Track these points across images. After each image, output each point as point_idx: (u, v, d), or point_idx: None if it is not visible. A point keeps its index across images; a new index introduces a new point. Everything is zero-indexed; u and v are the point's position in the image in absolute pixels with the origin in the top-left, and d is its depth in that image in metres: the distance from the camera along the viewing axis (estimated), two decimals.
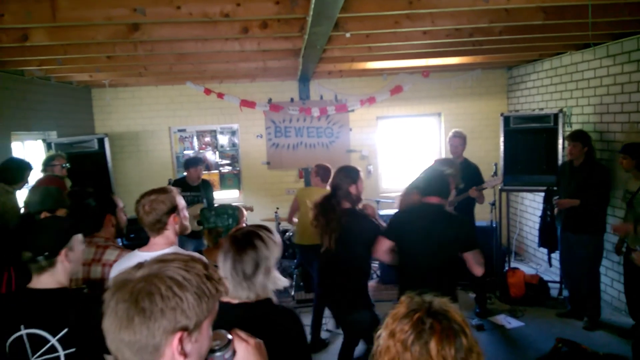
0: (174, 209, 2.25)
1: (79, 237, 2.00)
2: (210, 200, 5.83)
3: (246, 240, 1.80)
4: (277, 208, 6.66)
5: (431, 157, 7.62)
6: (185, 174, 5.78)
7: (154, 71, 5.89)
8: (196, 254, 1.22)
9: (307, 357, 1.84)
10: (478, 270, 3.16)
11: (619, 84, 5.02)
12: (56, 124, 6.08)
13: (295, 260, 6.45)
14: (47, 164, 4.65)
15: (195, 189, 5.75)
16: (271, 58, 5.28)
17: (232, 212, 2.83)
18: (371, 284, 6.48)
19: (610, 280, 5.28)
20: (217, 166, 7.66)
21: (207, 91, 7.25)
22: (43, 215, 2.89)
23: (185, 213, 2.37)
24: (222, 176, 7.67)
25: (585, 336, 4.63)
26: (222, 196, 7.62)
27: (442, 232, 3.16)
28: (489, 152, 6.78)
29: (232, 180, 7.69)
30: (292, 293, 6.15)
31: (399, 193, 7.33)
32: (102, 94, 7.19)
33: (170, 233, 2.25)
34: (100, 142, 5.97)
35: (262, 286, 1.79)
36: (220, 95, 7.27)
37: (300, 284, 6.28)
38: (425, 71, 7.20)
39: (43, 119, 5.82)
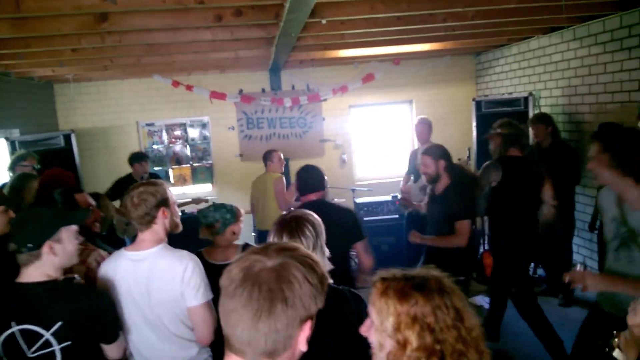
0: (164, 201, 2.16)
1: (70, 229, 1.93)
2: None
3: (298, 221, 1.82)
4: None
5: (403, 144, 7.71)
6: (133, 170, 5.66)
7: (120, 64, 5.68)
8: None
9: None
10: (368, 260, 3.14)
11: (586, 66, 5.15)
12: (18, 122, 5.80)
13: None
14: (16, 164, 4.41)
15: None
16: (243, 47, 5.18)
17: (230, 208, 2.83)
18: None
19: (583, 257, 5.46)
20: (189, 160, 7.50)
21: (175, 83, 7.08)
22: None
23: (176, 208, 2.29)
24: (194, 170, 7.52)
25: (561, 312, 4.78)
26: (195, 190, 7.49)
27: (334, 225, 3.06)
28: (461, 137, 6.86)
29: (205, 174, 7.55)
30: None
31: (373, 181, 7.44)
32: (65, 90, 6.90)
33: (159, 228, 2.16)
34: (67, 138, 5.74)
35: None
36: (189, 88, 7.11)
37: None
38: (396, 59, 7.22)
39: (4, 116, 5.55)
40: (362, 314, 1.78)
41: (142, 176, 5.58)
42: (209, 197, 7.18)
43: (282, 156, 5.58)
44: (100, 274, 2.18)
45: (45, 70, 5.74)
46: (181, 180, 7.46)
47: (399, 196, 5.78)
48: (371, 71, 7.35)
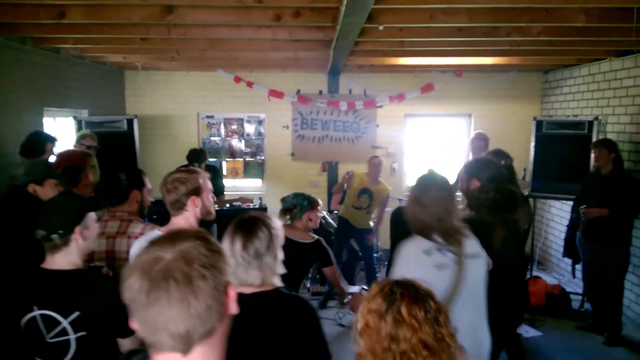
0: (195, 190, 2.24)
1: (92, 215, 1.99)
2: (218, 186, 5.75)
3: (254, 223, 1.84)
4: None
5: (457, 158, 7.53)
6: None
7: (186, 56, 5.93)
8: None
9: (326, 346, 1.82)
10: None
11: None
12: (88, 103, 6.19)
13: None
14: (78, 141, 4.74)
15: None
16: (302, 48, 5.26)
17: (307, 196, 3.25)
18: None
19: (636, 296, 5.12)
20: (242, 154, 7.69)
21: (237, 79, 7.27)
22: (30, 187, 2.93)
23: (210, 197, 2.36)
24: (247, 164, 7.70)
25: (605, 351, 4.50)
26: (245, 184, 7.66)
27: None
28: (519, 156, 6.56)
29: (256, 169, 7.71)
30: (308, 285, 6.15)
31: None
32: (134, 77, 7.28)
33: (189, 215, 2.25)
34: (130, 123, 6.05)
35: (270, 269, 1.81)
36: (249, 84, 7.29)
37: (316, 276, 6.27)
38: (459, 70, 7.06)
39: (76, 97, 5.93)
40: (309, 320, 1.82)
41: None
42: (257, 193, 7.34)
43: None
44: (131, 252, 2.28)
45: (117, 56, 6.08)
46: (233, 173, 7.66)
47: None
48: (431, 81, 7.23)
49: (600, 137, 5.48)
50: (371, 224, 5.86)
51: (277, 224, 1.95)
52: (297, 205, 3.17)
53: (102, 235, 2.51)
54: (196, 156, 5.75)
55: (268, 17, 3.84)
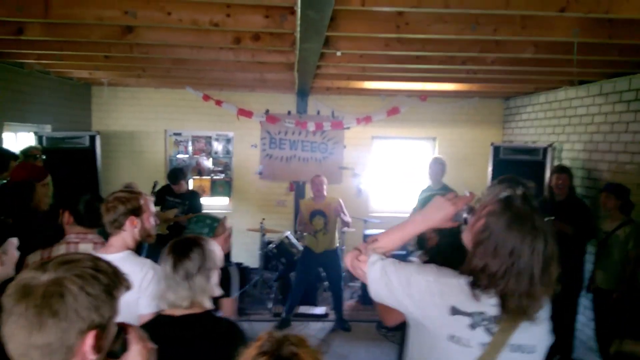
0: (134, 211, 2.25)
1: (13, 241, 2.00)
2: (197, 208, 5.86)
3: (187, 245, 1.86)
4: (263, 219, 6.66)
5: (422, 180, 7.65)
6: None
7: (152, 74, 5.95)
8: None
9: None
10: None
11: (609, 123, 5.03)
12: (52, 118, 6.13)
13: (276, 273, 6.44)
14: (25, 155, 4.71)
15: (179, 195, 5.84)
16: (267, 70, 5.33)
17: (210, 222, 2.77)
18: (349, 303, 6.46)
19: (587, 319, 5.24)
20: (210, 172, 7.68)
21: (206, 97, 7.30)
22: None
23: (151, 220, 2.37)
24: (214, 183, 7.69)
25: None
26: (212, 203, 7.64)
27: None
28: (478, 180, 6.76)
29: (223, 187, 7.71)
30: (270, 306, 6.12)
31: (386, 214, 7.39)
32: (101, 92, 7.24)
33: (127, 235, 2.25)
34: (92, 139, 6.01)
35: (201, 289, 1.83)
36: (218, 103, 7.32)
37: (279, 297, 6.26)
38: (423, 95, 7.23)
39: (39, 112, 5.87)
40: (237, 344, 1.81)
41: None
42: (224, 212, 7.32)
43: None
44: None
45: (82, 72, 6.05)
46: (200, 191, 7.62)
47: None
48: (397, 104, 7.38)
49: (555, 163, 5.66)
50: (337, 243, 5.80)
51: (214, 245, 1.97)
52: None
53: None
54: (179, 174, 5.83)
55: (227, 39, 3.89)
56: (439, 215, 1.63)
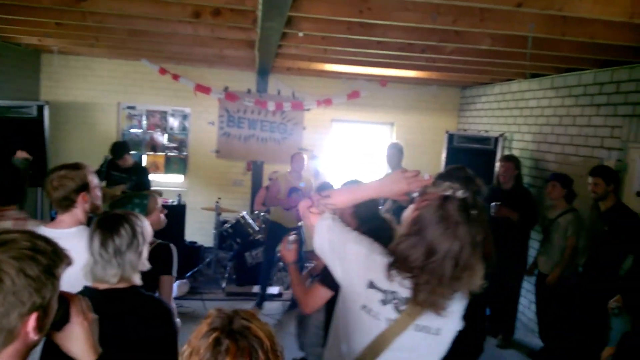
0: (84, 186, 2.19)
1: None
2: (145, 184, 5.62)
3: (116, 221, 1.84)
4: (219, 198, 6.61)
5: (380, 165, 7.77)
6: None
7: (106, 44, 5.71)
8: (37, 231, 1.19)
9: (174, 347, 1.83)
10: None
11: (558, 116, 5.25)
12: None
13: (231, 252, 6.42)
14: None
15: (125, 170, 5.57)
16: (227, 47, 5.22)
17: (139, 201, 2.65)
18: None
19: (529, 302, 5.52)
20: (164, 148, 7.51)
21: (162, 71, 7.10)
22: None
23: (98, 192, 2.31)
24: (168, 159, 7.53)
25: (498, 354, 4.83)
26: (166, 180, 7.49)
27: None
28: (434, 167, 6.92)
29: (178, 164, 7.56)
30: (224, 285, 6.11)
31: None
32: (51, 60, 6.91)
33: (78, 211, 2.19)
34: (40, 109, 5.75)
35: (131, 265, 1.82)
36: (175, 77, 7.14)
37: (232, 277, 6.25)
38: (383, 80, 7.30)
39: None
40: (162, 320, 1.83)
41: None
42: (179, 189, 7.20)
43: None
44: None
45: (31, 38, 5.74)
46: (153, 168, 7.45)
47: None
48: (357, 89, 7.43)
49: (506, 152, 5.87)
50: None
51: (144, 221, 1.95)
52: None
53: None
54: (121, 148, 5.55)
55: (187, 13, 3.79)
56: (394, 188, 1.72)
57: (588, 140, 4.78)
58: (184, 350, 1.09)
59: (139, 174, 5.61)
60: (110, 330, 1.58)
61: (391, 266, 1.58)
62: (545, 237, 4.71)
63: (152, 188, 5.72)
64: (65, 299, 1.22)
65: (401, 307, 1.59)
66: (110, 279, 1.77)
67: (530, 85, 5.77)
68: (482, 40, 4.03)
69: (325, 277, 2.10)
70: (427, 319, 1.59)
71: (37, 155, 5.43)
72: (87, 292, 1.78)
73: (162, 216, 2.74)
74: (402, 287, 1.58)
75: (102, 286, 1.78)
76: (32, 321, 1.03)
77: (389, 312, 1.60)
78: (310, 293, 2.24)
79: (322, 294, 2.20)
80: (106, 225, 1.82)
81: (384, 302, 1.60)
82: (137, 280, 1.84)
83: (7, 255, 1.01)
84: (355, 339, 1.67)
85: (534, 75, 5.60)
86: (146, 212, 2.59)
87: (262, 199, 6.16)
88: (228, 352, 1.05)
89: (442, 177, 1.63)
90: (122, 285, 1.80)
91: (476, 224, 1.55)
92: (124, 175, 5.50)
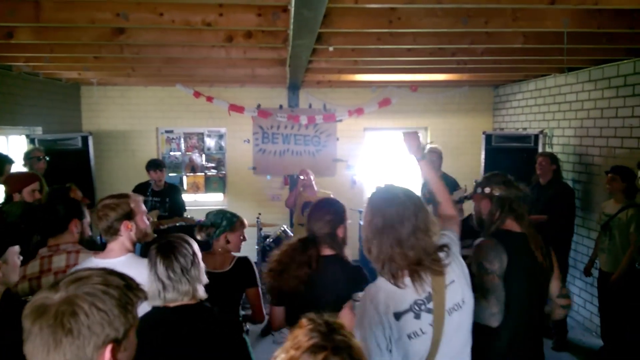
0: (127, 215, 2.27)
1: (14, 249, 2.01)
2: (178, 204, 5.70)
3: (173, 244, 1.95)
4: (259, 214, 6.67)
5: (416, 171, 7.71)
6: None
7: (142, 73, 5.91)
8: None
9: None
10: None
11: (599, 109, 5.10)
12: (42, 120, 6.08)
13: None
14: (27, 158, 4.70)
15: (158, 193, 5.65)
16: (259, 66, 5.33)
17: (230, 216, 2.89)
18: None
19: (583, 301, 5.35)
20: (203, 169, 7.68)
21: (197, 94, 7.28)
22: None
23: (145, 220, 2.39)
24: (208, 179, 7.69)
25: (552, 356, 4.69)
26: (206, 199, 7.65)
27: None
28: (472, 169, 6.83)
29: (217, 183, 7.71)
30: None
31: None
32: (90, 92, 7.19)
33: (124, 239, 2.27)
34: (84, 140, 5.98)
35: (197, 281, 1.92)
36: (209, 99, 7.30)
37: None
38: (414, 86, 7.27)
39: (29, 114, 5.83)
40: (232, 336, 1.90)
41: (154, 183, 5.67)
42: (219, 208, 7.32)
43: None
44: None
45: (72, 73, 6.00)
46: (194, 188, 7.64)
47: None
48: (388, 96, 7.42)
49: (547, 149, 5.74)
50: None
51: (191, 240, 2.05)
52: (214, 224, 2.81)
53: (50, 272, 2.48)
54: (154, 164, 5.67)
55: (220, 38, 3.90)
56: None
57: (633, 132, 4.62)
58: (279, 356, 1.14)
59: (173, 194, 5.72)
60: (187, 344, 1.66)
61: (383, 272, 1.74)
62: (604, 233, 4.44)
63: (186, 209, 5.87)
64: None
65: (429, 306, 1.71)
66: (183, 297, 1.87)
67: (567, 79, 5.63)
68: (515, 40, 3.99)
69: (273, 299, 2.47)
70: (451, 299, 1.74)
71: (84, 184, 5.66)
72: (157, 311, 1.86)
73: (241, 239, 2.93)
74: (412, 291, 1.70)
75: (172, 304, 1.88)
76: (107, 353, 1.08)
77: (425, 319, 1.70)
78: (271, 315, 2.54)
79: (278, 312, 2.49)
80: (166, 250, 1.92)
81: (417, 316, 1.70)
82: (202, 294, 1.93)
83: (81, 291, 1.07)
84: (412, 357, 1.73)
85: (570, 69, 5.47)
86: (230, 228, 2.81)
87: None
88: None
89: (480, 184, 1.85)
90: (190, 301, 1.89)
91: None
92: (157, 199, 5.59)
